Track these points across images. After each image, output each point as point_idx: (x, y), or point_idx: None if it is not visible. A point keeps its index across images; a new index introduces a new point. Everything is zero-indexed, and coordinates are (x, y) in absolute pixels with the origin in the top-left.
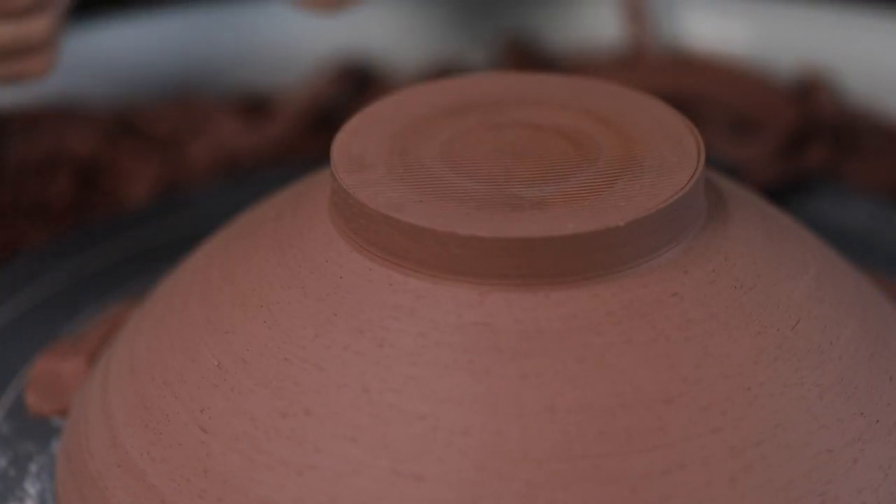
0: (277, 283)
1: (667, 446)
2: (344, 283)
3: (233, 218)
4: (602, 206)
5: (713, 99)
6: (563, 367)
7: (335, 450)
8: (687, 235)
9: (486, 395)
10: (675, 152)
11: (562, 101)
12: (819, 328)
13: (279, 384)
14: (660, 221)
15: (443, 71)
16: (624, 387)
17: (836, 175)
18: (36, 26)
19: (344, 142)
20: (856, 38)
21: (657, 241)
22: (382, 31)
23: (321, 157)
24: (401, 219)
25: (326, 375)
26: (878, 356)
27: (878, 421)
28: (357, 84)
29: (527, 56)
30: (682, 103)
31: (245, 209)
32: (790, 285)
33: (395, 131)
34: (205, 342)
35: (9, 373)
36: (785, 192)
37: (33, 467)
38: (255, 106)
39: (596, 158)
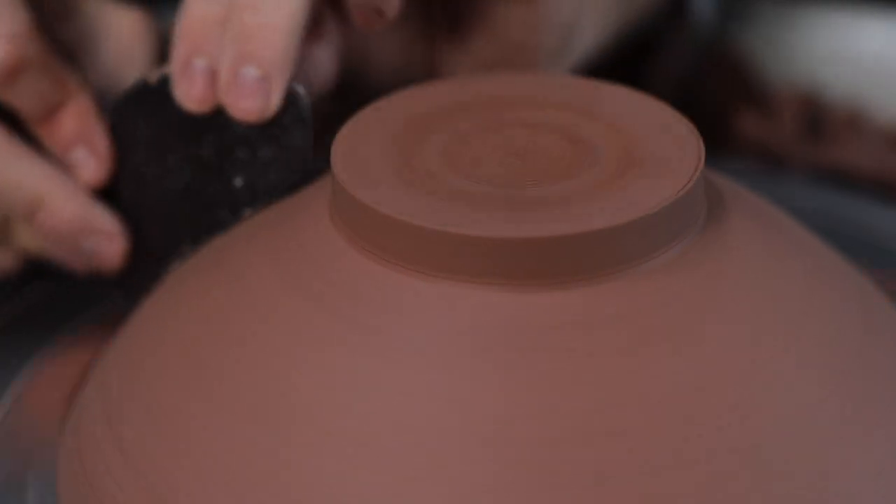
0: (279, 284)
1: (666, 445)
2: (344, 283)
3: None
4: (602, 206)
5: None
6: (561, 366)
7: (339, 448)
8: (687, 235)
9: (486, 393)
10: (675, 152)
11: (562, 102)
12: (819, 325)
13: (281, 387)
14: (660, 221)
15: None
16: (623, 386)
17: (829, 171)
18: None
19: (344, 142)
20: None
21: (657, 240)
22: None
23: (323, 158)
24: (401, 219)
25: (328, 379)
26: (876, 351)
27: (878, 416)
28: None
29: None
30: None
31: None
32: (789, 283)
33: (395, 131)
34: (208, 355)
35: (9, 373)
36: None
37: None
38: None
39: (596, 159)
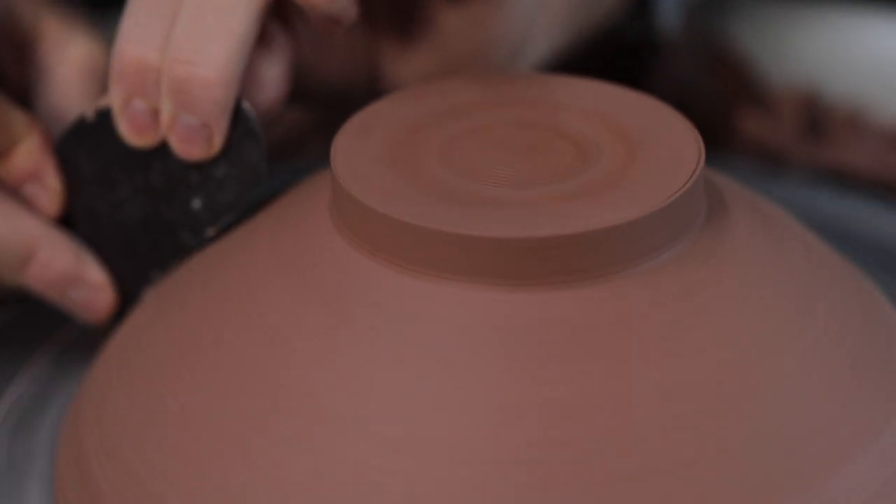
0: (279, 283)
1: (662, 446)
2: (344, 283)
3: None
4: (602, 206)
5: None
6: (560, 366)
7: (340, 445)
8: (687, 235)
9: (484, 391)
10: (675, 152)
11: (563, 102)
12: (819, 325)
13: (280, 387)
14: (660, 221)
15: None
16: (622, 386)
17: (829, 171)
18: None
19: (344, 142)
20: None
21: (657, 240)
22: None
23: (323, 158)
24: (401, 219)
25: (326, 378)
26: (875, 351)
27: (876, 419)
28: None
29: None
30: None
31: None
32: (788, 283)
33: (395, 131)
34: (205, 353)
35: (9, 373)
36: None
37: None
38: None
39: (596, 159)
